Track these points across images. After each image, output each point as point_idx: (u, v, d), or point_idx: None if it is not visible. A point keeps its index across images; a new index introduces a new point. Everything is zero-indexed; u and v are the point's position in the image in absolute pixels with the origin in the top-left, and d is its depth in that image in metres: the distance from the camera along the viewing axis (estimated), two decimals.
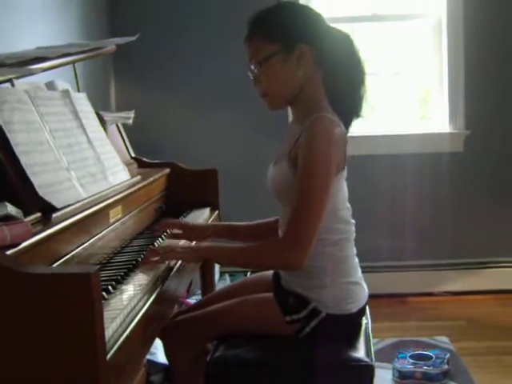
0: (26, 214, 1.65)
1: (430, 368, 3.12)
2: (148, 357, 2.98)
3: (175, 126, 4.45)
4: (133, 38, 2.94)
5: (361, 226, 2.10)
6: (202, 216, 2.82)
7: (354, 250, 2.08)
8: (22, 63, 2.17)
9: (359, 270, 2.09)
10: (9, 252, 1.42)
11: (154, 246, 2.23)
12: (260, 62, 2.00)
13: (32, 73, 2.17)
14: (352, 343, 2.02)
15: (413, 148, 4.34)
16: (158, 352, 3.09)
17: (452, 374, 3.14)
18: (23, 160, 1.78)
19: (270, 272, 2.28)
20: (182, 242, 2.29)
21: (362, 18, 4.56)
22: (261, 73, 2.02)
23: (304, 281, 2.01)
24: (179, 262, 2.11)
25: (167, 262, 2.03)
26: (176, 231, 2.36)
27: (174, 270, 2.06)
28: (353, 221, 2.07)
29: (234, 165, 4.22)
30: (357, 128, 2.17)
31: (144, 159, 3.08)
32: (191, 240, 2.34)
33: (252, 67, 2.03)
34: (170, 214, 2.74)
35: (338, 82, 2.05)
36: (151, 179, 2.69)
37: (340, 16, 4.43)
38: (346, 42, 2.07)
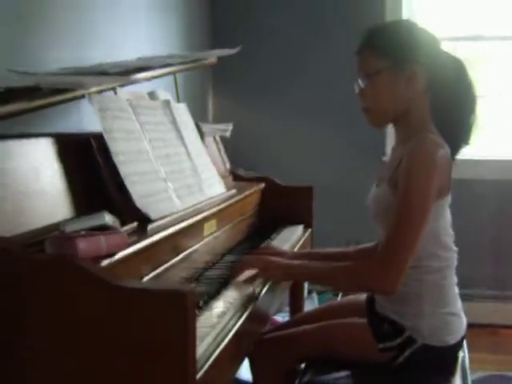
0: (121, 224, 1.64)
1: None
2: None
3: (271, 140, 4.43)
4: (234, 51, 2.93)
5: (462, 252, 2.01)
6: (295, 233, 2.77)
7: (455, 279, 1.99)
8: (125, 72, 2.18)
9: (459, 301, 2.00)
10: (104, 263, 1.41)
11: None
12: (368, 76, 1.96)
13: (134, 81, 2.18)
14: (448, 377, 1.93)
15: None
16: (241, 367, 3.05)
17: None
18: (122, 169, 1.78)
19: (363, 296, 2.22)
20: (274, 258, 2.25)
21: (466, 38, 4.44)
22: (367, 86, 1.97)
23: (400, 307, 1.94)
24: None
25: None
26: None
27: (267, 287, 2.02)
28: (455, 248, 1.99)
29: (330, 182, 4.16)
30: (462, 151, 2.08)
31: (239, 173, 3.06)
32: None
33: (359, 80, 1.98)
34: (263, 231, 2.71)
35: (447, 107, 1.98)
36: (246, 193, 2.66)
37: (442, 35, 4.27)
38: (459, 66, 2.00)
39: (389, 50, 1.94)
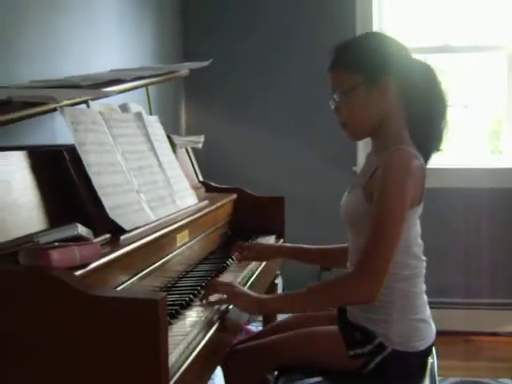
0: (95, 235, 1.66)
1: None
2: None
3: (244, 151, 4.46)
4: (206, 64, 2.96)
5: (431, 260, 2.05)
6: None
7: (424, 287, 2.03)
8: (97, 85, 2.20)
9: (428, 308, 2.04)
10: (77, 273, 1.42)
11: (217, 276, 2.22)
12: (342, 93, 1.98)
13: (107, 95, 2.19)
14: (417, 382, 1.96)
15: (484, 182, 4.24)
16: (216, 378, 3.06)
17: None
18: (95, 181, 1.80)
19: None
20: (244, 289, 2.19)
21: (434, 49, 4.51)
22: (342, 103, 1.99)
23: (371, 315, 1.97)
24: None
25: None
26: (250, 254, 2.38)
27: None
28: (424, 257, 2.02)
29: (302, 193, 4.20)
30: (433, 160, 2.11)
31: (212, 183, 3.09)
32: (261, 261, 2.39)
33: (334, 97, 2.01)
34: (236, 240, 2.73)
35: (420, 114, 2.00)
36: (218, 204, 2.69)
37: (412, 46, 4.34)
38: (429, 73, 2.03)
39: (360, 65, 1.96)
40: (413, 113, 2.01)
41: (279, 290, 3.56)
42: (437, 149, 2.06)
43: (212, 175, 3.26)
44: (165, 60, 3.98)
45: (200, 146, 3.04)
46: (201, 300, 1.92)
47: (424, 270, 2.02)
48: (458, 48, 4.49)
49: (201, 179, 3.10)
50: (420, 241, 2.02)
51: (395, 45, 2.03)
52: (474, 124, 4.58)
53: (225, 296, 1.92)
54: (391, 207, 1.84)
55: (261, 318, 3.31)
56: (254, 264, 2.43)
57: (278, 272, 3.07)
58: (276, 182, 4.15)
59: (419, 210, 1.98)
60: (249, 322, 3.72)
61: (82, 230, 1.55)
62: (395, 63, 1.98)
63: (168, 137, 2.57)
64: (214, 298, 1.93)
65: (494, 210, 4.26)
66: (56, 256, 1.38)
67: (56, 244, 1.45)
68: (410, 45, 4.15)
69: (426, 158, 2.03)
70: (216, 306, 1.89)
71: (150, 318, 1.29)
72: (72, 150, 1.83)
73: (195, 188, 2.66)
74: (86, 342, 1.33)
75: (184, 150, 2.99)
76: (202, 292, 1.97)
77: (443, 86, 2.03)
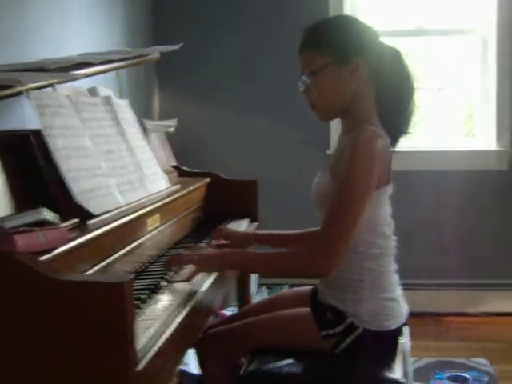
0: (62, 220, 1.65)
1: None
2: (181, 367, 2.96)
3: (217, 135, 4.45)
4: (177, 47, 2.93)
5: (402, 242, 2.05)
6: (240, 227, 2.79)
7: (394, 266, 2.04)
8: (65, 68, 2.17)
9: (398, 287, 2.05)
10: (42, 258, 1.41)
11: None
12: (312, 73, 1.99)
13: (74, 78, 2.17)
14: (389, 362, 1.98)
15: (457, 165, 4.26)
16: (190, 362, 3.07)
17: None
18: (62, 165, 1.78)
19: (308, 287, 2.25)
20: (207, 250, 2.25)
21: (407, 32, 4.51)
22: (312, 84, 2.00)
23: (340, 294, 1.99)
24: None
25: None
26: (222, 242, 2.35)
27: (210, 281, 2.03)
28: (394, 237, 2.03)
29: (275, 176, 4.20)
30: (400, 143, 2.12)
31: (184, 168, 3.07)
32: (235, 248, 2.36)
33: (304, 78, 2.01)
34: (209, 224, 2.72)
35: (387, 97, 2.02)
36: (191, 188, 2.68)
37: (384, 30, 4.34)
38: (396, 57, 2.04)
39: (331, 46, 1.98)
40: (382, 95, 2.02)
41: (252, 278, 3.57)
42: (405, 132, 2.07)
43: (186, 159, 3.24)
44: (136, 45, 3.95)
45: (172, 129, 3.02)
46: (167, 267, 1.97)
47: (394, 249, 2.03)
48: (430, 31, 4.49)
49: (173, 163, 3.08)
50: (389, 220, 2.03)
51: (365, 28, 2.05)
52: (448, 107, 4.59)
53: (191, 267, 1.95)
54: (356, 186, 1.85)
55: (235, 303, 3.31)
56: None
57: None
58: (249, 165, 4.14)
59: (388, 190, 1.99)
60: (223, 306, 3.72)
61: (47, 214, 1.54)
62: (365, 45, 2.00)
63: (139, 121, 2.55)
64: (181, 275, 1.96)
65: (466, 191, 4.28)
66: (20, 240, 1.37)
67: (20, 229, 1.44)
68: (382, 28, 4.20)
69: (395, 140, 2.05)
70: (191, 284, 1.90)
71: (116, 301, 1.28)
72: (39, 134, 1.81)
73: (167, 172, 2.64)
74: (53, 326, 1.32)
75: (156, 134, 2.97)
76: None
77: (411, 70, 2.05)
